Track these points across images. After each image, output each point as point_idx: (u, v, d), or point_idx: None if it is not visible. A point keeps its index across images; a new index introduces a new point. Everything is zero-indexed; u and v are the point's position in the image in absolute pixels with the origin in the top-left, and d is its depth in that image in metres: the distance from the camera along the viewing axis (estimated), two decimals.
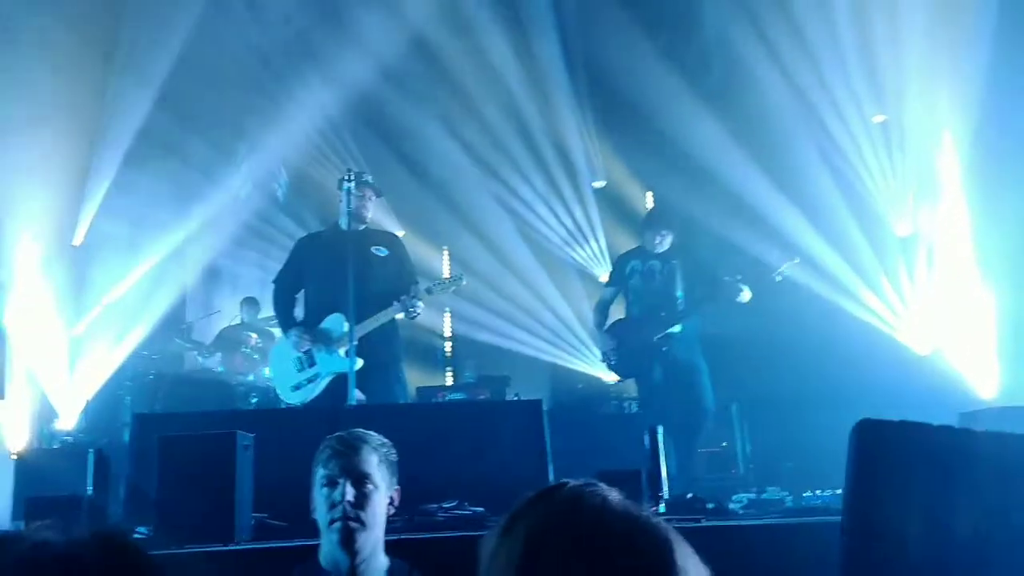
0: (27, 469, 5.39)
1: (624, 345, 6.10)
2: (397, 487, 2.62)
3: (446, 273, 9.13)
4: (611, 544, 1.01)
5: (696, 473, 6.18)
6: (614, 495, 1.08)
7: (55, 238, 8.07)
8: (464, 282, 5.30)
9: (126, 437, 6.07)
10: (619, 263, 6.43)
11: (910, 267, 6.75)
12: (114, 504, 3.48)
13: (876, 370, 6.08)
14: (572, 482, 1.11)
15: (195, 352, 8.08)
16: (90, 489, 3.18)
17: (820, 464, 5.18)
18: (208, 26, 7.87)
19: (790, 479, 5.15)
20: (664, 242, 6.08)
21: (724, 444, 6.68)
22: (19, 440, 7.22)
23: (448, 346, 9.59)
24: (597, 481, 1.12)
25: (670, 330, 5.94)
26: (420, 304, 5.00)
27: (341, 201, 5.14)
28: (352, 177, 5.10)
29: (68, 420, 7.67)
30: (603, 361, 6.38)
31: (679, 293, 6.07)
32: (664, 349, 5.96)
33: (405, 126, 9.04)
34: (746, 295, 5.87)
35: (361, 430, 2.65)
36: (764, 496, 4.83)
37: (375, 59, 8.07)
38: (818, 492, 4.74)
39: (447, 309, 9.52)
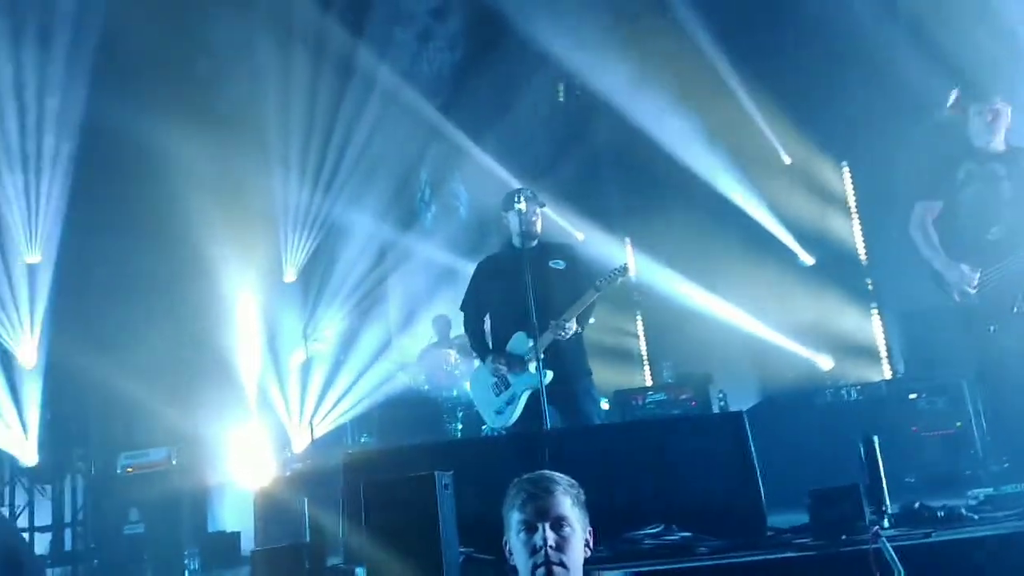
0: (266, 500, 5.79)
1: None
2: (591, 528, 2.58)
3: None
4: None
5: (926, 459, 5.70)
6: None
7: (268, 275, 8.80)
8: (629, 272, 5.10)
9: None
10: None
11: None
12: (335, 547, 3.67)
13: None
14: None
15: (401, 372, 8.46)
16: (307, 536, 3.37)
17: None
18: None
19: None
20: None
21: (959, 424, 6.10)
22: (263, 472, 7.77)
23: (643, 344, 9.37)
24: None
25: None
26: (570, 325, 4.95)
27: (508, 222, 5.20)
28: (519, 197, 5.11)
29: (298, 446, 8.27)
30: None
31: None
32: None
33: (578, 119, 9.01)
34: None
35: (549, 472, 2.63)
36: (1004, 490, 4.36)
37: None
38: None
39: (638, 313, 9.38)
